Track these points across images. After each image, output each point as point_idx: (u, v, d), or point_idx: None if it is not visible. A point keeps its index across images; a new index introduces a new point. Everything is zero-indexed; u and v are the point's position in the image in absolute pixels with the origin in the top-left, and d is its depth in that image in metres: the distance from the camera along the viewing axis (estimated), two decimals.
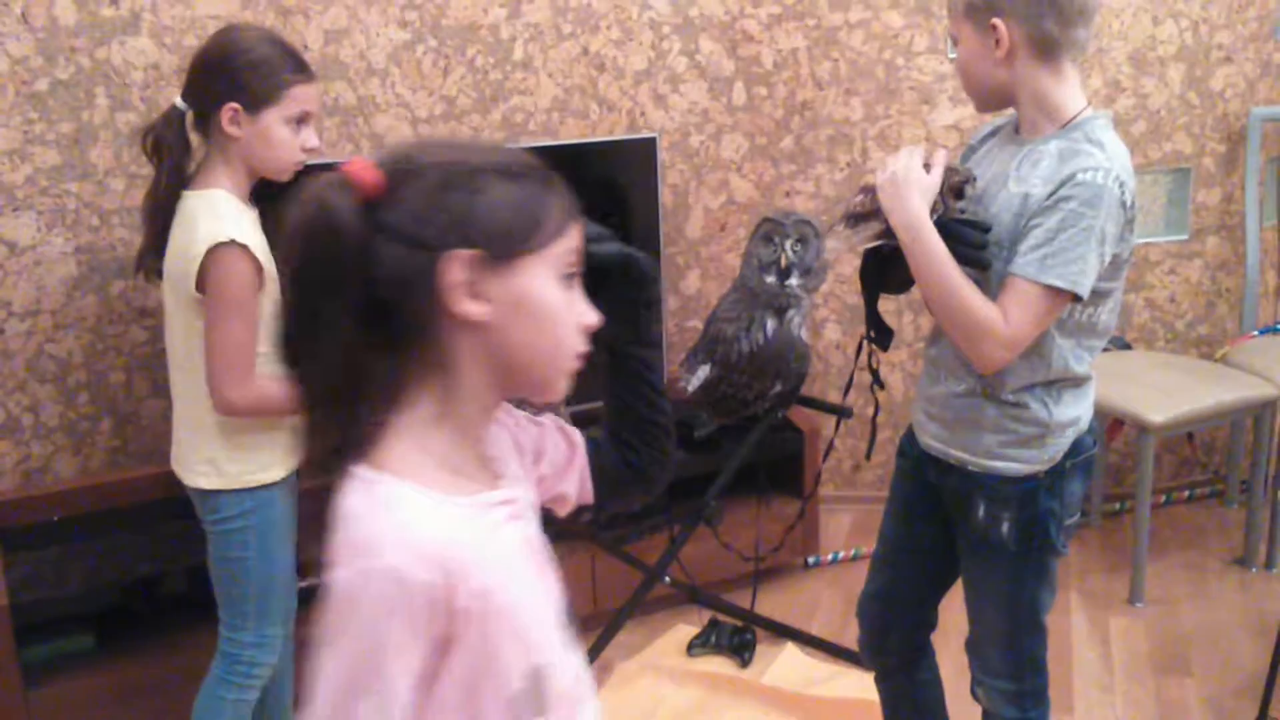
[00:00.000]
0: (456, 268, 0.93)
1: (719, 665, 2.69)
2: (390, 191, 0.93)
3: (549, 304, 0.97)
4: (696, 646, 2.73)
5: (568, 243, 0.99)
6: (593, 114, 2.99)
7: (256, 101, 1.83)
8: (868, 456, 2.01)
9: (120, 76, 2.51)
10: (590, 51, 2.95)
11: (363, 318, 0.93)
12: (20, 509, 2.47)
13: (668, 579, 2.70)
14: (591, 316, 1.02)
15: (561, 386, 1.02)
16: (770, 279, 2.20)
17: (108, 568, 2.39)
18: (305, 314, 0.94)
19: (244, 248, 1.81)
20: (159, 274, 1.91)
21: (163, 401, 2.64)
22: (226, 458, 1.93)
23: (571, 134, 2.96)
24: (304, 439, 0.98)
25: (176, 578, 2.43)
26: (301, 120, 1.87)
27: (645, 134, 2.95)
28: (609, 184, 2.86)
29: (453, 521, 0.95)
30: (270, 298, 1.85)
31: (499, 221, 0.95)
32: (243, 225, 1.84)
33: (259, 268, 1.82)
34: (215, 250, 1.79)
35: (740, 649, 2.71)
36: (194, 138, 1.93)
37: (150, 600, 2.44)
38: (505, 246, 0.95)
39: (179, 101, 1.89)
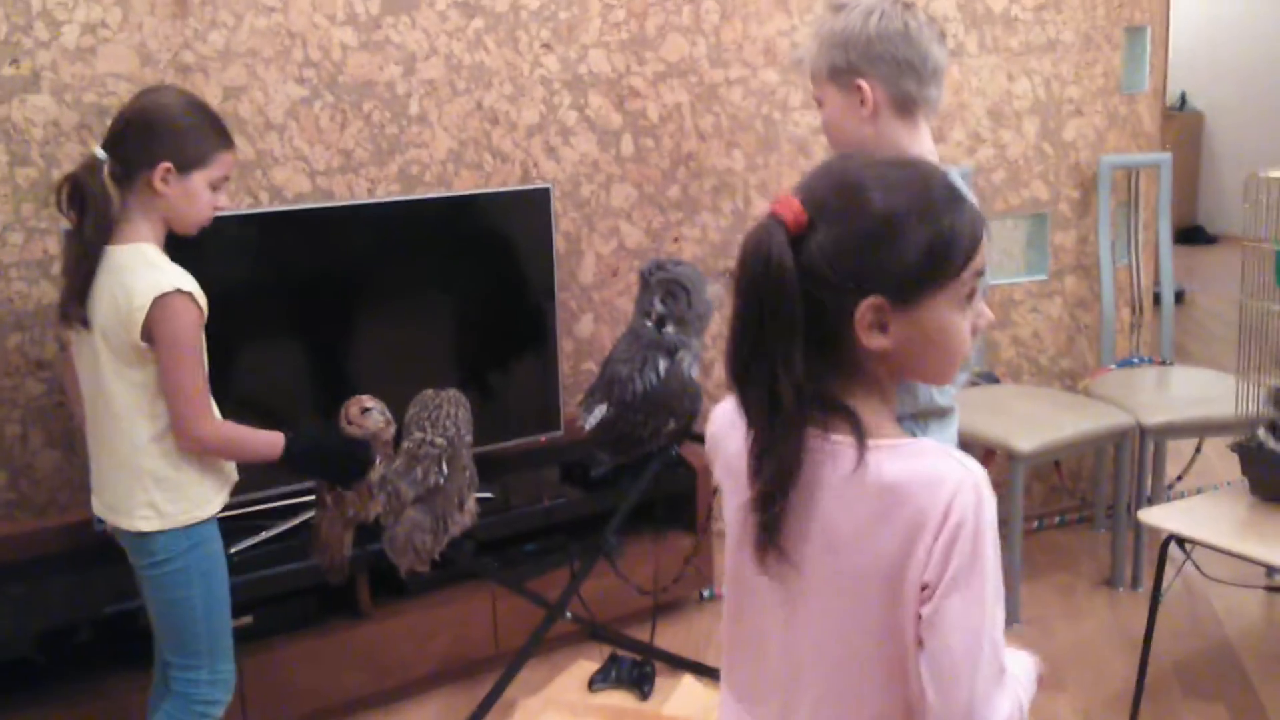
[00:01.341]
0: (867, 313, 1.06)
1: (620, 699, 2.81)
2: (812, 229, 1.06)
3: (949, 329, 1.09)
4: (598, 681, 2.84)
5: (975, 266, 1.09)
6: (487, 165, 3.15)
7: (188, 163, 1.96)
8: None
9: (20, 133, 2.58)
10: (484, 106, 3.11)
11: (799, 332, 1.06)
12: None
13: (569, 615, 2.82)
14: (985, 316, 1.17)
15: (949, 380, 1.17)
16: (649, 324, 2.39)
17: (5, 620, 2.42)
18: (756, 330, 1.06)
19: (189, 295, 1.94)
20: (84, 322, 1.97)
21: (58, 454, 2.70)
22: (165, 499, 2.00)
23: (467, 185, 3.11)
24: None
25: (73, 631, 2.45)
26: (219, 184, 2.03)
27: (538, 184, 3.11)
28: (503, 233, 3.02)
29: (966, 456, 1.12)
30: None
31: (910, 267, 1.05)
32: (178, 272, 1.96)
33: (200, 312, 1.96)
34: (163, 300, 1.91)
35: (640, 682, 2.82)
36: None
37: (46, 653, 2.46)
38: (914, 290, 1.06)
39: (99, 152, 1.97)
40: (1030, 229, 3.61)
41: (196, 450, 2.00)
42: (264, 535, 2.68)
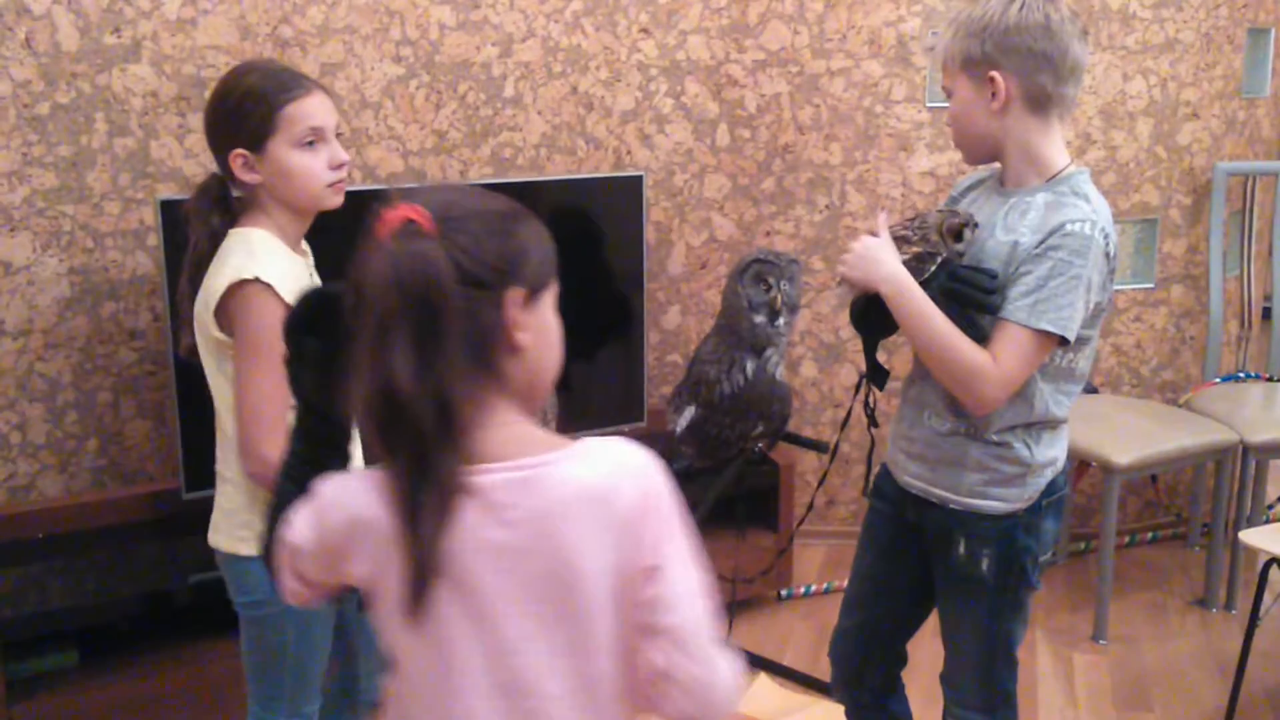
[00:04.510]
0: (513, 305, 1.04)
1: None
2: (444, 235, 1.01)
3: (554, 329, 1.11)
4: None
5: (555, 275, 1.11)
6: (580, 151, 3.10)
7: (255, 137, 1.68)
8: (865, 493, 2.06)
9: (120, 102, 2.59)
10: (579, 90, 3.06)
11: (460, 347, 1.02)
12: (5, 526, 2.52)
13: None
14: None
15: (549, 392, 1.15)
16: (760, 319, 2.28)
17: (91, 586, 2.44)
18: (417, 352, 0.99)
19: (268, 286, 1.64)
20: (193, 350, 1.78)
21: (148, 423, 2.71)
22: (234, 520, 1.75)
23: (558, 170, 3.07)
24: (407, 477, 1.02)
25: (159, 597, 2.47)
26: (315, 139, 1.70)
27: (631, 172, 3.05)
28: (594, 220, 2.97)
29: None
30: None
31: (532, 260, 1.06)
32: (275, 265, 1.68)
33: (284, 309, 1.70)
34: (237, 287, 1.64)
35: None
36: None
37: (133, 619, 2.49)
38: (538, 283, 1.07)
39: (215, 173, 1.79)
40: (1138, 235, 3.46)
41: (257, 475, 1.66)
42: None
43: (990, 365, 1.65)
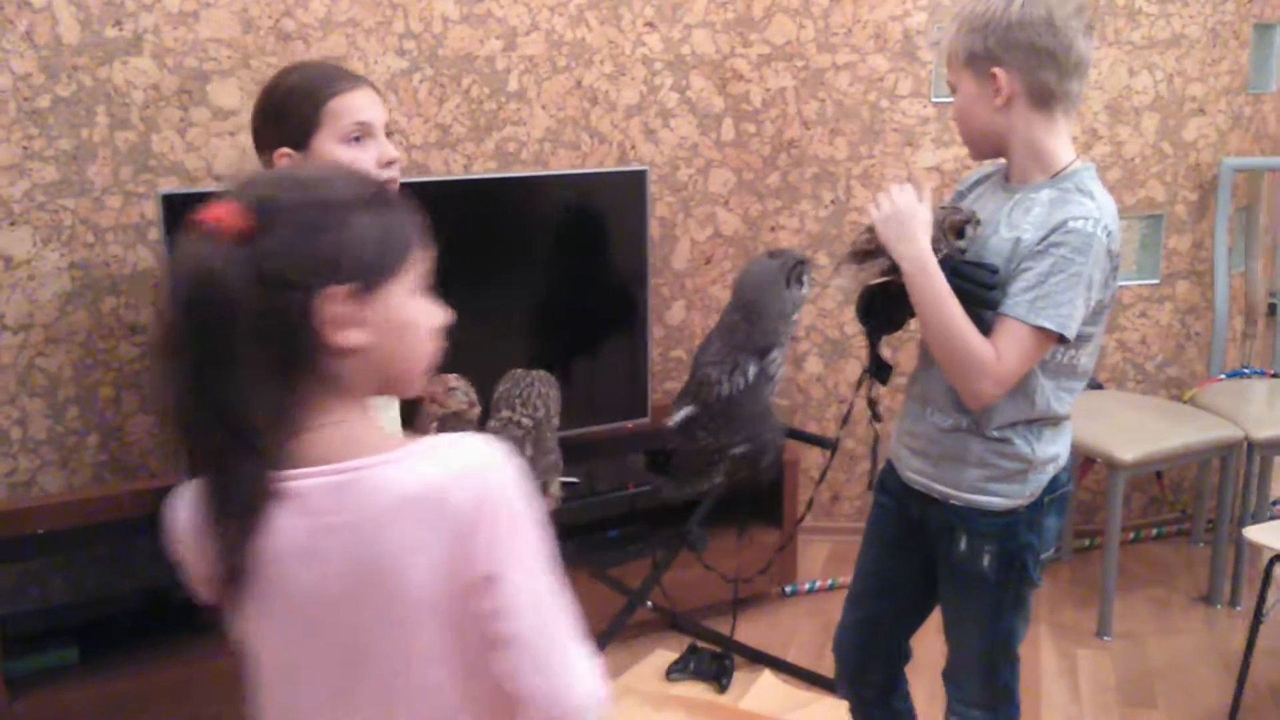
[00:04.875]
0: (332, 304, 0.99)
1: (697, 691, 2.76)
2: (259, 232, 0.97)
3: (415, 318, 1.06)
4: (675, 672, 2.80)
5: (423, 261, 1.07)
6: (584, 145, 3.08)
7: (299, 133, 1.63)
8: (870, 487, 2.06)
9: (121, 96, 2.57)
10: (583, 84, 3.04)
11: (258, 357, 0.98)
12: (6, 522, 2.50)
13: (649, 604, 2.77)
14: (440, 316, 1.10)
15: (418, 385, 1.11)
16: (796, 318, 2.24)
17: (92, 582, 2.44)
18: (201, 369, 0.96)
19: None
20: None
21: (149, 418, 2.70)
22: None
23: (562, 164, 3.05)
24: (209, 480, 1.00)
25: (160, 593, 2.46)
26: (362, 134, 1.64)
27: (635, 166, 3.04)
28: (598, 215, 2.95)
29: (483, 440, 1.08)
30: None
31: (365, 253, 1.01)
32: None
33: None
34: None
35: (718, 675, 2.77)
36: None
37: (133, 615, 2.48)
38: (374, 275, 1.02)
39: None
40: (1144, 231, 3.45)
41: None
42: None
43: (993, 360, 1.64)
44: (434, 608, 1.00)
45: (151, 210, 2.58)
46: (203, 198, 2.75)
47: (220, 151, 2.68)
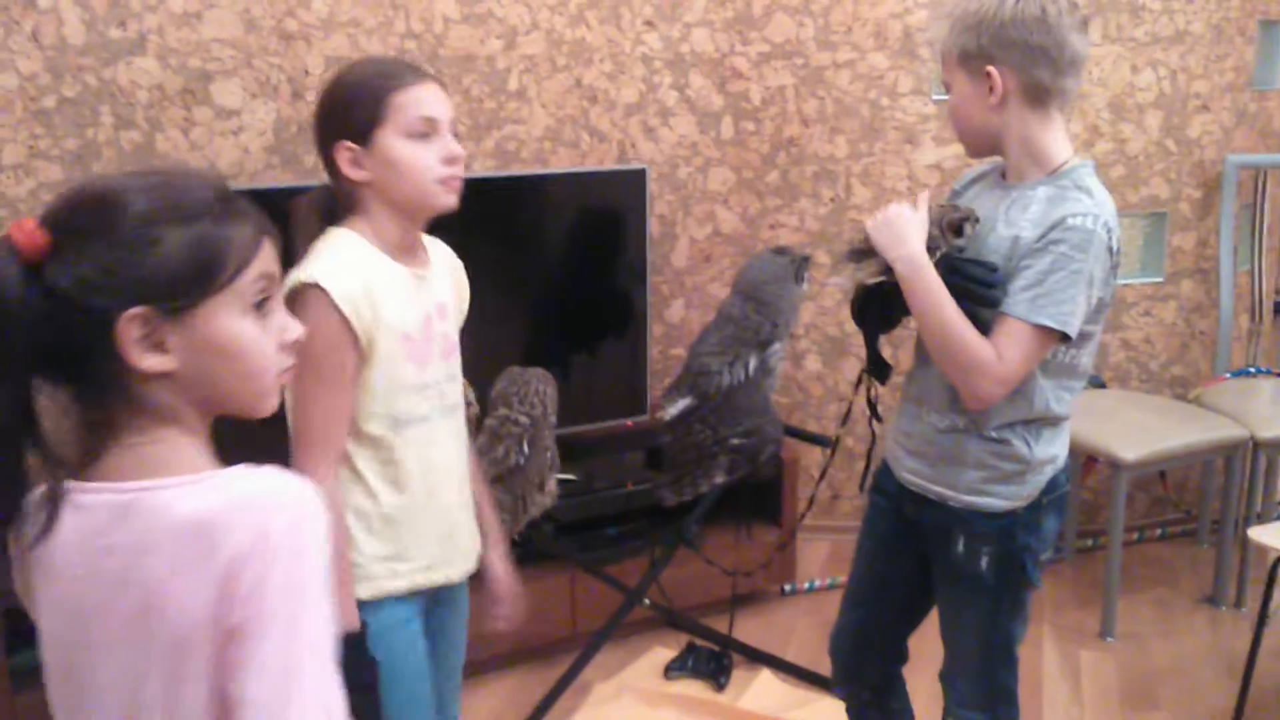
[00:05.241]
0: (130, 327, 0.94)
1: (695, 689, 2.78)
2: (56, 251, 0.93)
3: (238, 339, 0.99)
4: (673, 670, 2.82)
5: (254, 271, 0.99)
6: (584, 144, 3.12)
7: (362, 127, 1.54)
8: (862, 488, 2.06)
9: (125, 96, 2.62)
10: (583, 84, 3.08)
11: (48, 379, 0.95)
12: None
13: (647, 601, 2.79)
14: (293, 331, 1.05)
15: (269, 405, 1.04)
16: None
17: None
18: None
19: (324, 293, 1.49)
20: None
21: None
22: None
23: (562, 163, 3.08)
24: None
25: None
26: (427, 131, 1.55)
27: (635, 165, 3.06)
28: (597, 213, 2.98)
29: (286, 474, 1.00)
30: (384, 371, 1.56)
31: (171, 273, 0.95)
32: (347, 270, 1.53)
33: (344, 323, 1.50)
34: (298, 291, 1.50)
35: (716, 673, 2.79)
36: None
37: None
38: (181, 297, 0.96)
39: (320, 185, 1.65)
40: (1148, 228, 3.46)
41: None
42: None
43: (993, 359, 1.64)
44: (194, 649, 0.94)
45: None
46: None
47: (223, 151, 2.73)
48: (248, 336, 1.00)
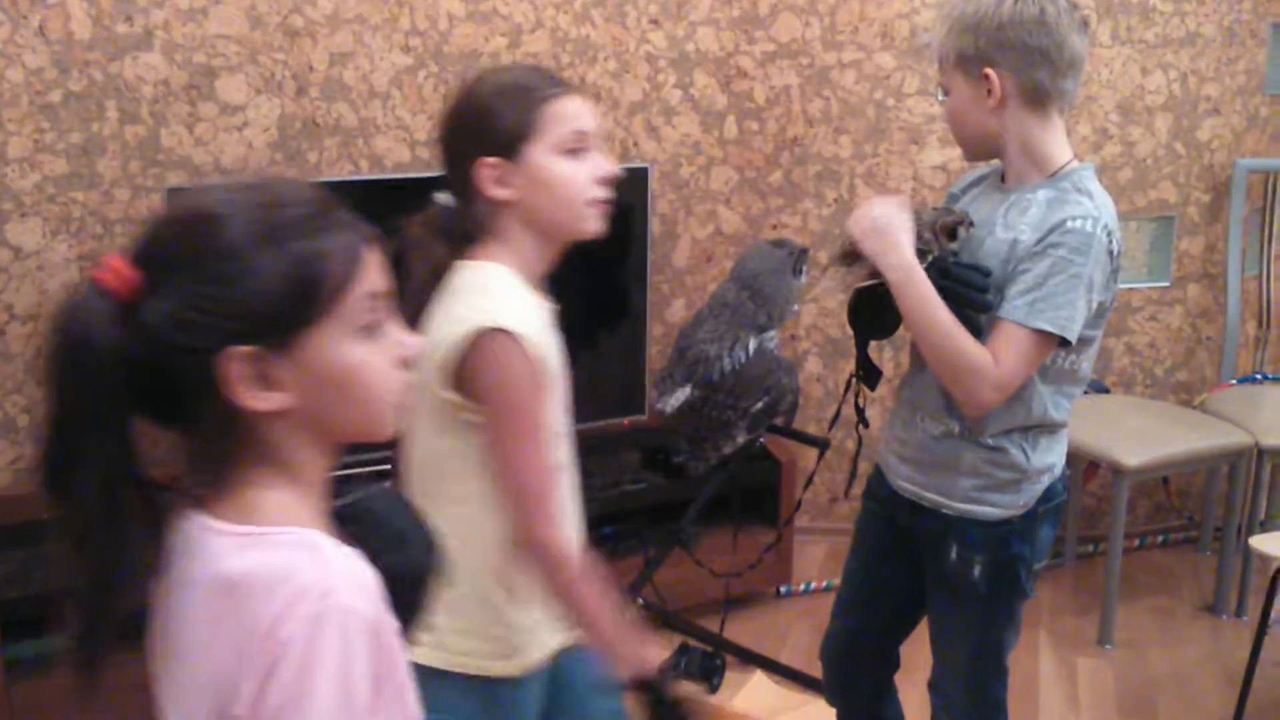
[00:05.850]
0: (234, 365, 0.88)
1: (688, 690, 2.81)
2: (148, 288, 0.89)
3: (351, 365, 0.93)
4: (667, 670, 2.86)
5: (360, 290, 0.93)
6: None
7: (509, 141, 1.42)
8: (846, 494, 2.05)
9: (131, 91, 2.67)
10: (587, 81, 3.11)
11: (154, 421, 0.92)
12: (11, 507, 2.61)
13: (640, 601, 2.83)
14: (409, 346, 0.98)
15: (387, 427, 0.98)
16: (796, 307, 2.41)
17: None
18: (72, 439, 0.90)
19: (516, 337, 1.38)
20: None
21: None
22: (452, 626, 1.43)
23: None
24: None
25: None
26: (579, 146, 1.45)
27: (637, 163, 3.10)
28: None
29: (360, 563, 0.93)
30: (549, 419, 1.48)
31: (270, 302, 0.89)
32: (521, 309, 1.43)
33: (535, 364, 1.41)
34: (483, 338, 1.37)
35: (709, 674, 2.83)
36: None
37: (133, 602, 2.56)
38: (283, 327, 0.90)
39: (439, 196, 1.51)
40: (1155, 232, 3.47)
41: (540, 561, 1.41)
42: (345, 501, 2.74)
43: (990, 365, 1.63)
44: (203, 706, 0.91)
45: (159, 204, 2.68)
46: None
47: (227, 146, 2.78)
48: (361, 361, 0.93)
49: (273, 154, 2.82)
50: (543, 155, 1.43)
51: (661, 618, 2.93)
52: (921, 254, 1.69)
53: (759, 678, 2.85)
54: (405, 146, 2.95)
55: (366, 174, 2.90)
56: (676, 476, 2.96)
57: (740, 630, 2.98)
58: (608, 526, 2.99)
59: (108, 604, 0.92)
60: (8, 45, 2.56)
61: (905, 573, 1.91)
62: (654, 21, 3.14)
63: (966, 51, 1.69)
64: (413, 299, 1.44)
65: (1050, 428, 1.76)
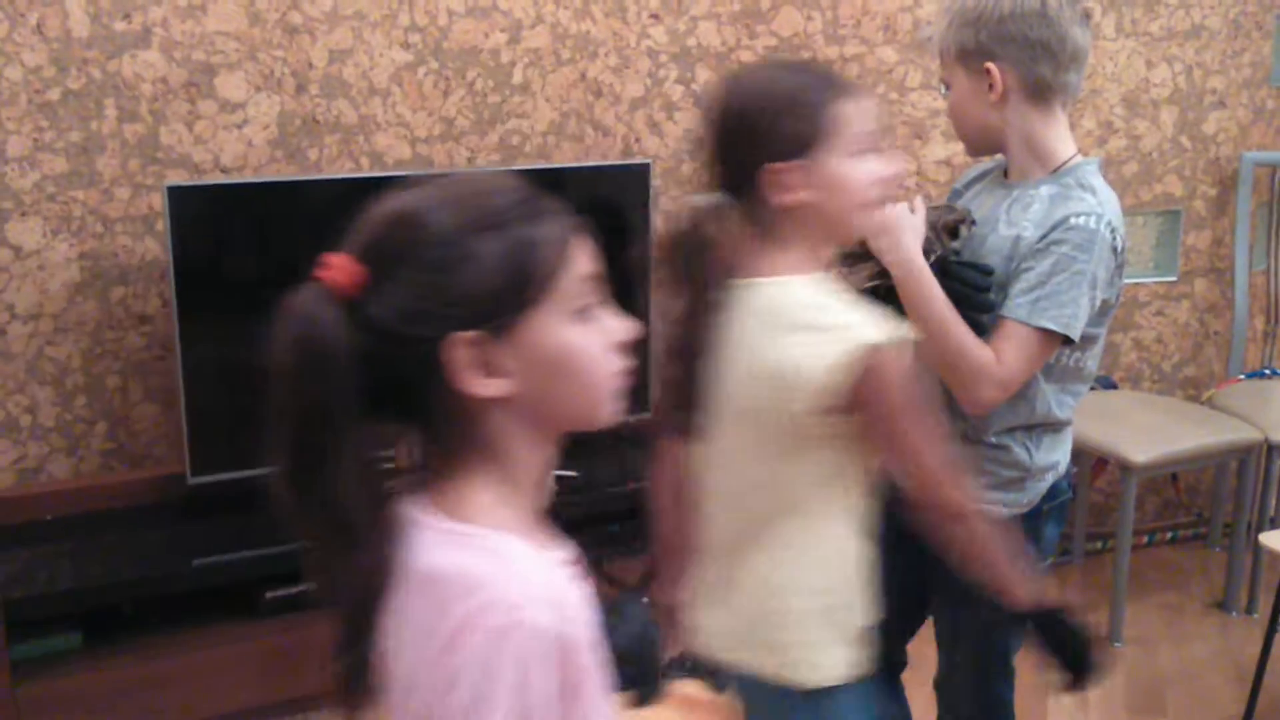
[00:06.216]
0: (458, 353, 0.91)
1: (694, 688, 2.82)
2: (373, 283, 0.91)
3: (569, 349, 0.95)
4: (672, 669, 2.87)
5: (573, 273, 0.95)
6: (588, 138, 3.16)
7: (798, 144, 1.40)
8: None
9: (130, 89, 2.68)
10: (588, 77, 3.12)
11: (377, 415, 0.93)
12: (14, 508, 2.63)
13: (647, 600, 2.84)
14: (623, 331, 1.00)
15: (609, 413, 1.00)
16: None
17: (97, 568, 2.54)
18: (320, 443, 0.91)
19: (884, 346, 1.39)
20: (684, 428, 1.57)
21: (156, 407, 2.81)
22: (797, 639, 1.51)
23: (566, 157, 3.12)
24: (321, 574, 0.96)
25: (163, 580, 2.56)
26: (867, 149, 1.44)
27: (639, 160, 3.10)
28: (602, 208, 3.02)
29: (557, 573, 0.95)
30: None
31: (489, 288, 0.91)
32: (865, 316, 1.42)
33: (902, 360, 1.43)
34: (864, 357, 1.37)
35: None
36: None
37: (136, 601, 2.58)
38: (502, 312, 0.92)
39: (695, 200, 1.49)
40: (1161, 227, 3.48)
41: (952, 520, 1.52)
42: None
43: (993, 364, 1.63)
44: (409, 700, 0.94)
45: (159, 202, 2.68)
46: (209, 190, 2.87)
47: (227, 144, 2.78)
48: (579, 344, 0.95)
49: (273, 151, 2.82)
50: (834, 159, 1.41)
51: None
52: (925, 253, 1.69)
53: None
54: (406, 143, 2.96)
55: (367, 171, 2.91)
56: None
57: None
58: (613, 524, 2.99)
59: (374, 602, 0.94)
60: (5, 43, 2.56)
61: (910, 571, 1.89)
62: (654, 16, 3.15)
63: (967, 45, 1.69)
64: (688, 331, 1.52)
65: (1054, 426, 1.76)
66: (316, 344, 0.89)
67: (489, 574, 0.90)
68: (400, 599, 0.94)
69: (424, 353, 0.91)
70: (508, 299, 0.92)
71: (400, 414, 0.95)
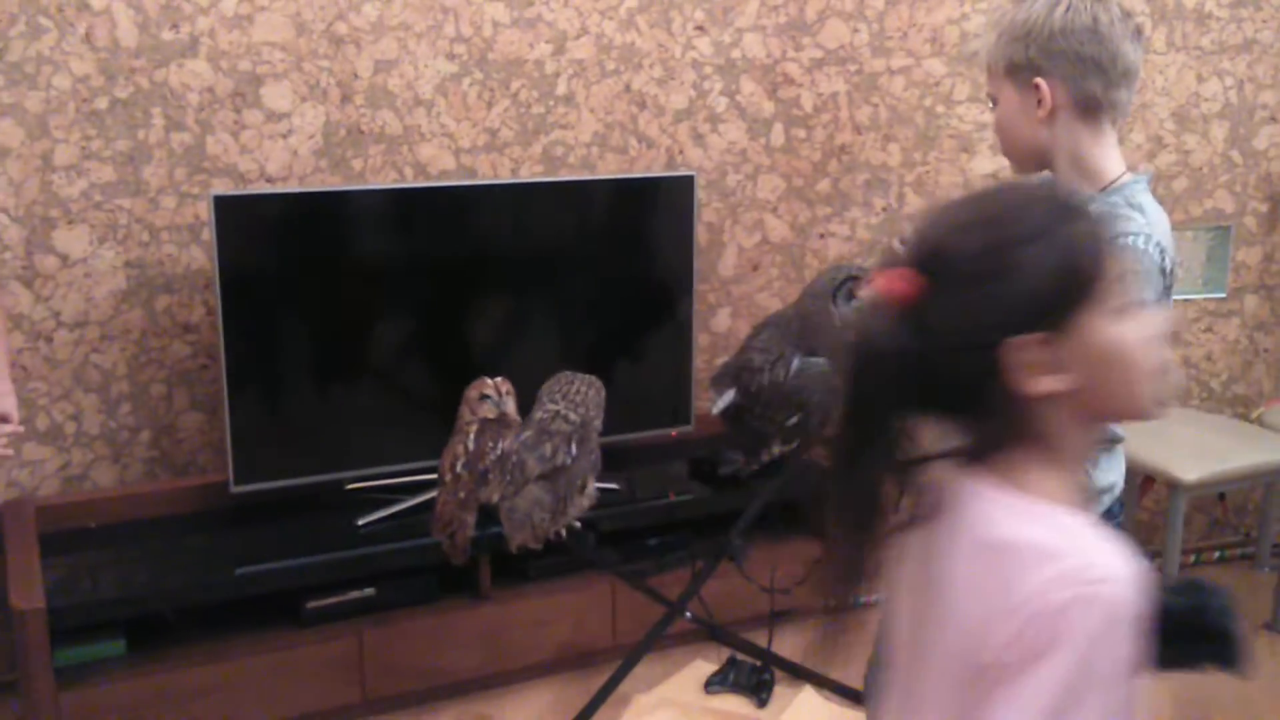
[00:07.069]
0: (1019, 354, 0.98)
1: (736, 704, 2.84)
2: (932, 293, 1.00)
3: (1117, 345, 1.01)
4: (714, 684, 2.88)
5: (1111, 271, 1.02)
6: (631, 150, 3.19)
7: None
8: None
9: (176, 98, 2.73)
10: (632, 88, 3.15)
11: (924, 410, 1.04)
12: (59, 515, 2.68)
13: (688, 615, 2.86)
14: (1159, 322, 1.06)
15: (1150, 404, 1.05)
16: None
17: (141, 576, 2.59)
18: (860, 434, 1.03)
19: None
20: None
21: (201, 415, 2.85)
22: None
23: (610, 169, 3.16)
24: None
25: (206, 588, 2.60)
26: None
27: (683, 171, 3.13)
28: (644, 220, 3.06)
29: (1123, 550, 0.99)
30: None
31: (1045, 292, 0.98)
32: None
33: None
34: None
35: (758, 689, 2.85)
36: None
37: (180, 610, 2.62)
38: (1059, 313, 0.99)
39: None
40: (1211, 242, 3.47)
41: None
42: (395, 509, 2.78)
43: None
44: (957, 671, 1.01)
45: (205, 211, 2.74)
46: (254, 200, 2.92)
47: (272, 154, 2.83)
48: (1128, 338, 1.02)
49: (317, 161, 2.87)
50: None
51: (710, 631, 2.95)
52: None
53: (808, 693, 2.87)
54: (450, 154, 3.00)
55: (411, 182, 2.95)
56: (723, 488, 2.99)
57: (790, 645, 2.99)
58: (653, 537, 3.02)
59: (863, 561, 1.07)
60: (54, 52, 2.62)
61: None
62: (700, 28, 3.18)
63: (1016, 60, 1.68)
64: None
65: (1111, 443, 1.76)
66: (870, 347, 1.01)
67: (1067, 548, 0.98)
68: (951, 563, 1.02)
69: (982, 355, 0.99)
70: (1061, 300, 0.99)
71: (949, 408, 1.04)
